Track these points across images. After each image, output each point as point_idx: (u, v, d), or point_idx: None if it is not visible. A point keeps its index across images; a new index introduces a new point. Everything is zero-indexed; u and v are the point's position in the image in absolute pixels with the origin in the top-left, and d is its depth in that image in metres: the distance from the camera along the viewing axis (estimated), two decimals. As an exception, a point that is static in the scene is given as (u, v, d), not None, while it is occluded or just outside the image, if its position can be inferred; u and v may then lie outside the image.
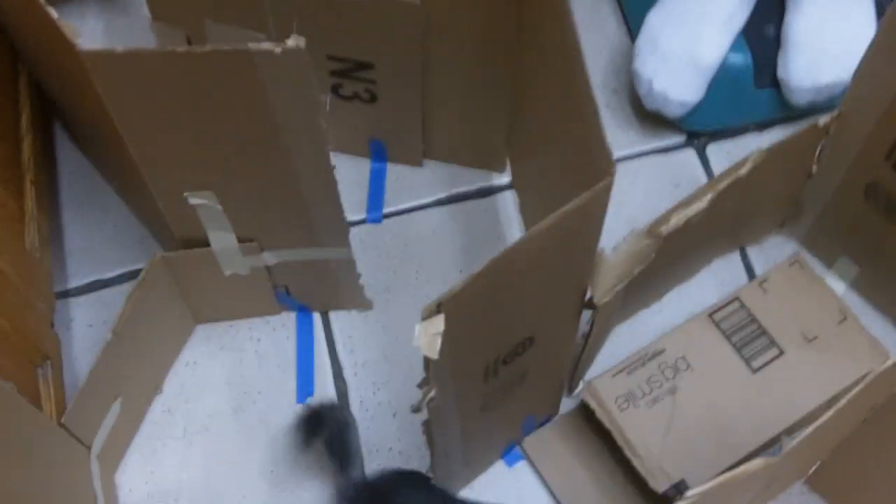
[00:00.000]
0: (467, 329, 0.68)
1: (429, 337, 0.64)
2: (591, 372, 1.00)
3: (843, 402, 0.64)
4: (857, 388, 0.64)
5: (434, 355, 0.64)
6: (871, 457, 0.86)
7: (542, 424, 1.00)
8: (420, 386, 0.70)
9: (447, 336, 0.64)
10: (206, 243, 0.93)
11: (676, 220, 0.84)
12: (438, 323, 0.64)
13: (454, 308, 0.63)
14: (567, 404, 1.01)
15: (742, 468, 0.61)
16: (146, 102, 0.76)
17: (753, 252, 1.09)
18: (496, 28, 0.94)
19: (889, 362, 0.66)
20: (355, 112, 1.06)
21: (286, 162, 0.82)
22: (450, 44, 0.97)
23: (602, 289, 0.81)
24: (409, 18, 0.93)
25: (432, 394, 0.72)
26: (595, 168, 0.69)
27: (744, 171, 0.87)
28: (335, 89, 1.04)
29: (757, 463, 0.61)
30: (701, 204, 0.86)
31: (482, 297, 0.67)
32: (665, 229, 0.84)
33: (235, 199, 0.87)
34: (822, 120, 0.92)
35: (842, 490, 0.94)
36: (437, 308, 0.64)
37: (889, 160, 0.91)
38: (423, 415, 0.74)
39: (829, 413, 0.64)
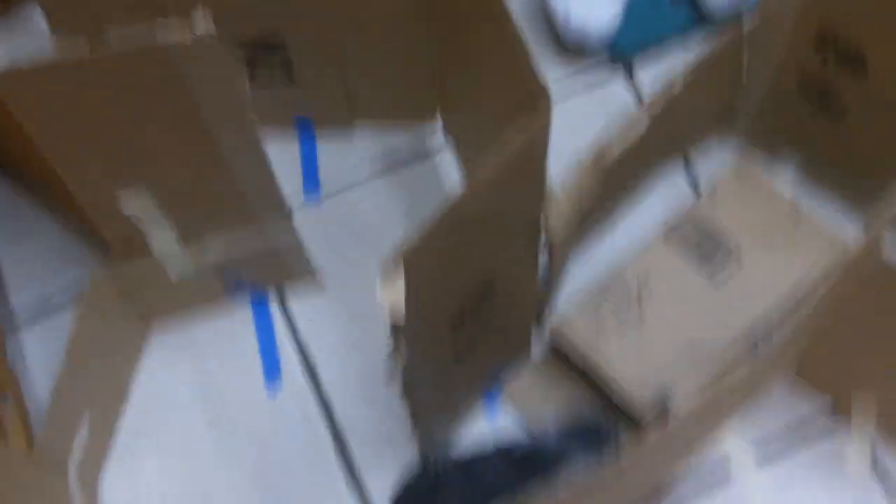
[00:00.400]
0: (428, 281, 0.67)
1: (391, 295, 0.63)
2: (557, 310, 1.00)
3: (815, 292, 0.64)
4: (824, 278, 0.64)
5: (398, 310, 0.63)
6: (851, 340, 0.86)
7: (516, 370, 0.99)
8: (389, 346, 0.69)
9: (410, 290, 0.63)
10: (145, 246, 0.91)
11: (619, 149, 0.84)
12: (399, 280, 0.63)
13: (413, 261, 0.62)
14: (539, 346, 1.00)
15: (727, 378, 0.60)
16: (63, 113, 0.74)
17: (698, 165, 1.09)
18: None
19: (856, 245, 0.65)
20: (274, 94, 1.04)
21: (216, 148, 0.80)
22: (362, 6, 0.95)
23: (556, 225, 0.80)
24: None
25: (404, 352, 0.71)
26: (531, 101, 0.68)
27: (676, 89, 0.87)
28: (249, 75, 1.02)
29: (741, 370, 0.61)
30: (639, 129, 0.85)
31: (439, 249, 0.66)
32: (609, 159, 0.83)
33: (171, 193, 0.85)
34: (744, 23, 0.92)
35: (825, 378, 0.94)
36: (397, 263, 0.63)
37: (819, 53, 0.91)
38: (398, 381, 0.74)
39: (807, 305, 0.64)
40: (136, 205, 0.85)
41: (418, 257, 0.62)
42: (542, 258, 0.87)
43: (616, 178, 0.87)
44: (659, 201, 1.07)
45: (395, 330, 0.66)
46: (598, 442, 0.88)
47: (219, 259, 0.95)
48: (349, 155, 1.12)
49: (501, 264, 0.79)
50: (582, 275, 1.01)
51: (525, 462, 0.86)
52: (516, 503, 0.58)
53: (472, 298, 0.78)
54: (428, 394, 0.83)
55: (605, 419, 0.91)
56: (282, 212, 0.93)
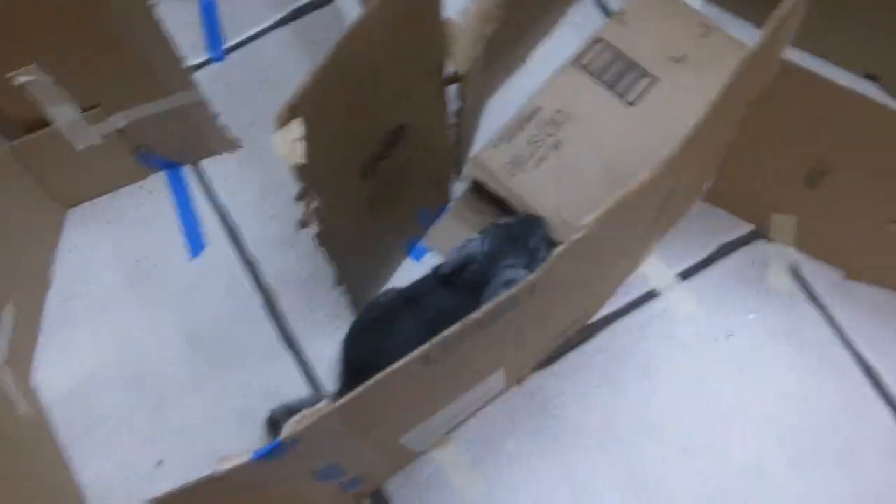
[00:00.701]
0: (329, 127, 0.66)
1: (289, 144, 0.62)
2: (475, 150, 0.99)
3: (715, 97, 0.63)
4: (725, 82, 0.63)
5: (299, 160, 0.62)
6: (758, 157, 0.87)
7: (438, 215, 0.99)
8: (298, 198, 0.68)
9: (309, 138, 0.61)
10: (47, 122, 0.88)
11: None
12: (296, 127, 0.62)
13: (309, 107, 0.61)
14: (460, 188, 1.00)
15: (628, 186, 0.60)
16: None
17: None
18: None
19: (749, 51, 0.65)
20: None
21: (106, 13, 0.77)
22: None
23: (460, 56, 0.78)
24: None
25: (315, 203, 0.70)
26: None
27: None
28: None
29: (642, 175, 0.60)
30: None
31: (336, 90, 0.64)
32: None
33: (65, 67, 0.82)
34: None
35: (739, 197, 0.95)
36: (291, 112, 0.61)
37: None
38: (314, 230, 0.73)
39: (707, 110, 0.64)
40: (31, 83, 0.82)
41: (314, 103, 0.61)
42: (455, 104, 0.86)
43: (518, 4, 0.85)
44: (571, 28, 1.05)
45: (299, 176, 0.65)
46: (526, 249, 0.88)
47: (122, 125, 0.92)
48: (250, 6, 1.08)
49: (409, 109, 0.77)
50: (499, 112, 1.00)
51: (460, 280, 0.86)
52: (461, 325, 0.58)
53: (381, 144, 0.76)
54: (346, 243, 0.82)
55: (530, 229, 0.90)
56: (188, 87, 0.90)
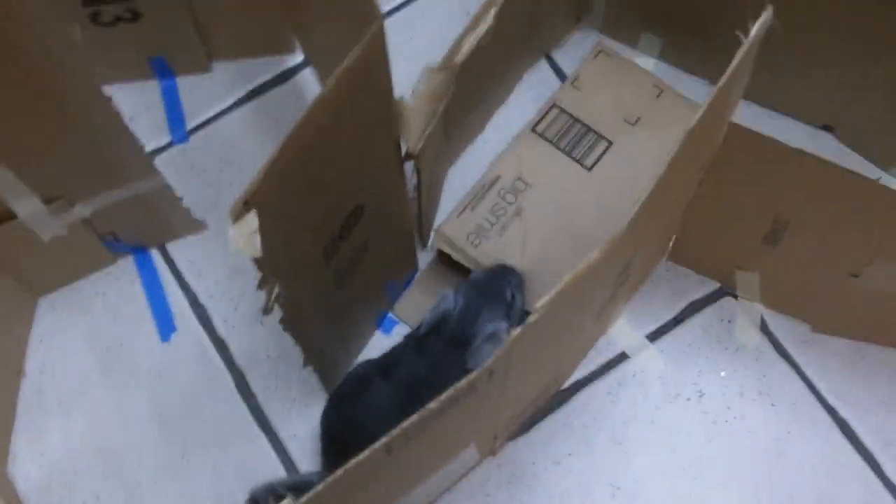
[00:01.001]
0: (286, 215, 0.66)
1: (245, 237, 0.62)
2: (439, 219, 1.00)
3: (668, 158, 0.64)
4: (678, 144, 0.64)
5: (256, 254, 0.62)
6: (717, 217, 0.87)
7: (406, 286, 0.99)
8: (259, 287, 0.69)
9: (265, 230, 0.62)
10: (13, 214, 0.88)
11: (468, 46, 0.83)
12: (251, 220, 0.62)
13: (263, 199, 0.61)
14: (426, 258, 1.00)
15: (584, 260, 0.61)
16: None
17: (559, 55, 1.08)
18: None
19: (698, 112, 0.65)
20: (124, 35, 1.01)
21: (62, 105, 0.77)
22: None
23: (413, 135, 0.79)
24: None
25: (276, 290, 0.70)
26: (365, 18, 0.66)
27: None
28: (94, 18, 0.98)
29: (591, 256, 0.61)
30: (487, 22, 0.84)
31: (291, 180, 0.65)
32: (459, 58, 0.82)
33: (24, 161, 0.82)
34: None
35: (702, 256, 0.96)
36: (245, 205, 0.62)
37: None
38: (279, 313, 0.73)
39: (661, 173, 0.64)
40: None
41: (269, 195, 0.61)
42: (413, 179, 0.86)
43: (473, 76, 0.86)
44: (527, 95, 1.06)
45: (259, 266, 0.66)
46: (501, 300, 0.89)
47: (87, 214, 0.92)
48: (211, 87, 1.09)
49: (368, 188, 0.78)
50: (461, 181, 1.01)
51: (438, 339, 0.87)
52: (419, 416, 0.58)
53: (342, 226, 0.77)
54: (312, 323, 0.82)
55: (503, 279, 0.91)
56: (151, 174, 0.91)
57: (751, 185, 0.81)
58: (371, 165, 0.78)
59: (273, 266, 0.67)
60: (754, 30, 0.63)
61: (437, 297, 0.88)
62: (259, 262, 0.65)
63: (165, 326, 0.99)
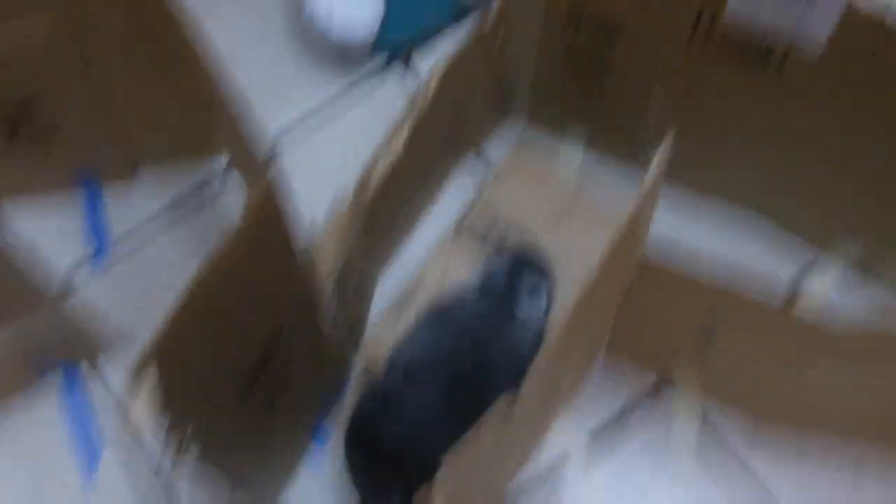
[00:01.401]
0: (188, 368, 0.65)
1: (143, 398, 0.60)
2: (370, 323, 0.98)
3: (587, 281, 0.63)
4: (598, 261, 0.63)
5: (156, 412, 0.61)
6: (648, 317, 0.86)
7: (340, 393, 0.97)
8: (167, 433, 0.66)
9: (172, 380, 0.60)
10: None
11: (381, 168, 0.82)
12: (150, 378, 0.60)
13: (168, 350, 0.60)
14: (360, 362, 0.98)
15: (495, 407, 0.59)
16: None
17: (489, 148, 1.07)
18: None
19: (616, 231, 0.64)
20: (43, 150, 1.00)
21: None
22: (105, 46, 0.91)
23: (325, 266, 0.78)
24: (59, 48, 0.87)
25: (189, 431, 0.68)
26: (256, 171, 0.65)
27: (430, 95, 0.84)
28: (10, 137, 0.97)
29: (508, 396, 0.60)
30: (398, 143, 0.83)
31: (192, 332, 0.63)
32: (372, 183, 0.81)
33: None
34: (494, 6, 0.90)
35: (640, 351, 0.95)
36: (144, 363, 0.60)
37: (568, 28, 0.90)
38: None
39: (580, 296, 0.63)
40: None
41: (168, 349, 0.60)
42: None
43: (396, 189, 0.85)
44: (458, 190, 1.05)
45: (165, 416, 0.64)
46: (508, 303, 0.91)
47: (7, 338, 0.91)
48: (133, 203, 1.07)
49: (283, 311, 0.77)
50: (395, 281, 1.00)
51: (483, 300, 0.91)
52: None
53: (255, 364, 0.75)
54: (236, 455, 0.80)
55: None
56: (63, 283, 0.89)
57: (673, 299, 0.80)
58: (285, 294, 0.76)
59: (183, 413, 0.65)
60: (655, 160, 0.63)
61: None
62: (163, 414, 0.63)
63: (92, 451, 0.96)
